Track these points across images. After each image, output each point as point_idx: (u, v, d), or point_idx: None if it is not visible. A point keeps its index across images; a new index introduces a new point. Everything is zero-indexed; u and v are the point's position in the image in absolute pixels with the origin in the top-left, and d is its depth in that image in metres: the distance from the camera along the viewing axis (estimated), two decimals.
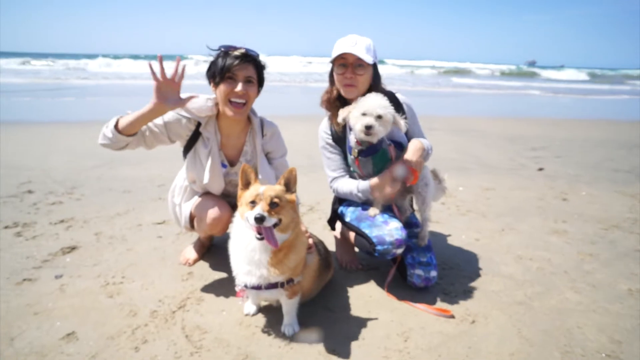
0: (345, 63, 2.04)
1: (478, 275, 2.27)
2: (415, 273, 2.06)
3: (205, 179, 2.05)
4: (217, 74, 1.94)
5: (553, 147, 6.01)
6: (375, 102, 1.91)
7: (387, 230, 1.96)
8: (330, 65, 2.12)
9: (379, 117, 1.89)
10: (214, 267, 2.32)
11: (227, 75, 1.92)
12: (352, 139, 2.04)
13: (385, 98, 1.95)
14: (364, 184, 2.07)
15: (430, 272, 2.07)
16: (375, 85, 2.11)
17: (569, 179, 4.26)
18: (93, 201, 3.33)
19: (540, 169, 4.69)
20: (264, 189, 1.58)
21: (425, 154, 2.06)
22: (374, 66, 2.11)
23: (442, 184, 2.35)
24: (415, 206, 2.25)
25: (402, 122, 1.96)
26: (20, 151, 4.86)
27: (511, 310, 1.95)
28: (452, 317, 1.88)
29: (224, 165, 2.12)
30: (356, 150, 2.02)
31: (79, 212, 3.06)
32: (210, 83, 2.01)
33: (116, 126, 1.86)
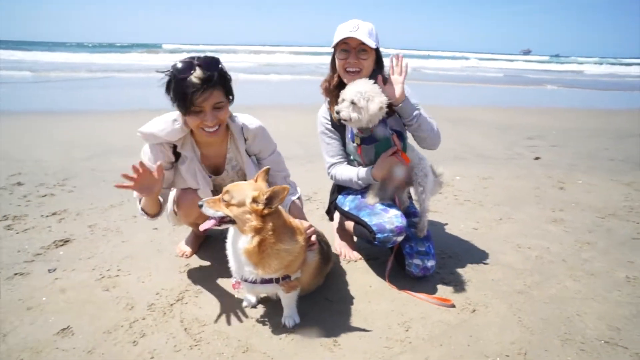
0: (347, 48, 1.99)
1: (477, 265, 2.27)
2: (414, 262, 2.05)
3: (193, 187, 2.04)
4: (180, 105, 1.77)
5: (549, 136, 6.02)
6: (352, 88, 1.88)
7: (387, 217, 1.94)
8: (332, 51, 2.07)
9: (352, 103, 1.85)
10: (212, 259, 2.29)
11: (192, 109, 1.75)
12: (353, 127, 2.00)
13: (371, 82, 1.90)
14: (364, 171, 2.04)
15: (428, 261, 2.06)
16: (378, 70, 2.06)
17: (566, 168, 4.26)
18: (86, 193, 3.26)
19: (537, 158, 4.69)
20: (228, 185, 1.59)
21: (406, 102, 2.00)
22: (377, 51, 2.05)
23: (438, 178, 2.33)
24: (414, 196, 2.23)
25: (375, 105, 1.85)
26: (9, 142, 4.75)
27: (511, 299, 1.95)
28: (453, 306, 1.88)
29: (209, 176, 2.07)
30: (358, 138, 1.98)
31: (72, 204, 3.00)
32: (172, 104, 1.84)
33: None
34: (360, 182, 2.08)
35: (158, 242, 2.48)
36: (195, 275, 2.11)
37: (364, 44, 1.94)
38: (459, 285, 2.06)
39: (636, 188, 3.63)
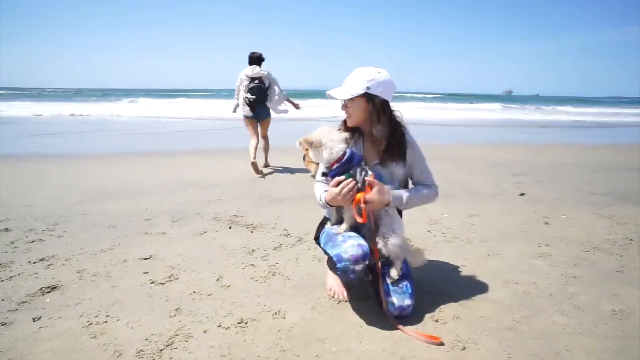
0: None
1: (466, 301, 2.29)
2: (390, 301, 2.08)
3: None
4: None
5: (533, 172, 6.21)
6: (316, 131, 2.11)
7: (343, 247, 2.00)
8: None
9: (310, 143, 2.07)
10: (202, 300, 2.28)
11: None
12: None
13: (330, 129, 2.11)
14: (325, 193, 2.14)
15: (405, 300, 2.08)
16: (373, 114, 2.12)
17: (550, 203, 4.39)
18: (76, 238, 3.25)
19: (522, 194, 4.82)
20: None
21: (393, 203, 2.10)
22: (370, 96, 2.08)
23: (418, 251, 2.33)
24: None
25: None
26: (0, 187, 4.76)
27: (500, 335, 1.96)
28: (442, 344, 1.88)
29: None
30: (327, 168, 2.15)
31: (61, 250, 2.99)
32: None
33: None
34: (321, 202, 2.19)
35: (148, 286, 2.46)
36: (185, 319, 2.09)
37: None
38: (448, 322, 2.07)
39: (618, 221, 3.74)
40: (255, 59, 5.56)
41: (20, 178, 5.30)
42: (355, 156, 2.07)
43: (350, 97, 2.08)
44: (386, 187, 2.08)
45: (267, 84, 5.55)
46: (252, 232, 3.41)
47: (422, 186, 2.25)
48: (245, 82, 5.50)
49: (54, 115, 16.58)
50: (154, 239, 3.25)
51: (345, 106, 2.16)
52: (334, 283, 2.37)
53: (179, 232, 3.39)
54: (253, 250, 3.01)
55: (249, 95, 5.45)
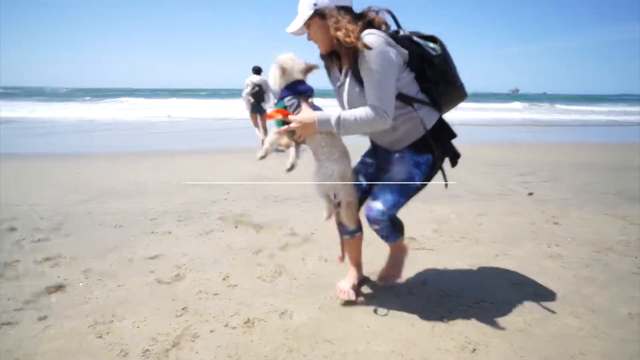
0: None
1: (476, 302, 2.24)
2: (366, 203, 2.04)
3: None
4: None
5: (540, 171, 6.14)
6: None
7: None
8: None
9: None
10: (209, 300, 2.26)
11: None
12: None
13: (297, 58, 1.92)
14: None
15: (374, 202, 1.97)
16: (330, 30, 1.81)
17: (559, 203, 4.32)
18: (82, 237, 3.25)
19: (530, 194, 4.76)
20: None
21: (319, 126, 1.86)
22: (320, 13, 1.81)
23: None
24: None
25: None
26: (4, 185, 4.78)
27: (512, 337, 1.91)
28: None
29: None
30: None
31: (67, 249, 2.98)
32: None
33: None
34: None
35: (154, 285, 2.45)
36: (192, 319, 2.07)
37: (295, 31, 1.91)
38: (457, 324, 2.03)
39: (631, 222, 3.67)
40: (256, 70, 7.71)
41: (22, 177, 5.32)
42: (301, 88, 1.92)
43: (302, 24, 1.85)
44: (316, 111, 1.88)
45: (264, 89, 7.61)
46: (258, 231, 3.39)
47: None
48: (249, 88, 7.61)
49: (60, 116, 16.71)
50: (160, 238, 3.24)
51: (308, 36, 1.92)
52: (346, 285, 2.29)
53: (184, 232, 3.38)
54: (259, 250, 2.99)
55: (250, 98, 7.64)
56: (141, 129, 12.48)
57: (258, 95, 7.58)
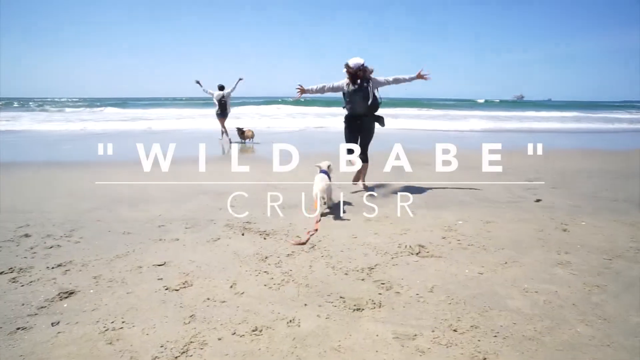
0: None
1: (485, 310, 2.23)
2: None
3: None
4: None
5: (548, 178, 6.09)
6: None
7: None
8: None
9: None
10: (216, 307, 2.27)
11: None
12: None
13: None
14: None
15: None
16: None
17: (568, 210, 4.28)
18: (92, 244, 3.29)
19: (538, 200, 4.72)
20: None
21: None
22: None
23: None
24: None
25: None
26: (17, 193, 4.86)
27: (522, 346, 1.90)
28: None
29: None
30: None
31: (78, 256, 3.02)
32: None
33: None
34: None
35: (162, 292, 2.47)
36: (200, 327, 2.08)
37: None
38: (467, 332, 2.02)
39: None
40: (220, 87, 10.96)
41: (34, 184, 5.40)
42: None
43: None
44: None
45: (227, 101, 10.94)
46: (265, 238, 3.41)
47: None
48: (216, 99, 10.90)
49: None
50: (167, 245, 3.27)
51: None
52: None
53: (192, 239, 3.40)
54: (266, 257, 3.00)
55: (217, 108, 10.99)
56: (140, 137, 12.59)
57: (224, 105, 11.00)
